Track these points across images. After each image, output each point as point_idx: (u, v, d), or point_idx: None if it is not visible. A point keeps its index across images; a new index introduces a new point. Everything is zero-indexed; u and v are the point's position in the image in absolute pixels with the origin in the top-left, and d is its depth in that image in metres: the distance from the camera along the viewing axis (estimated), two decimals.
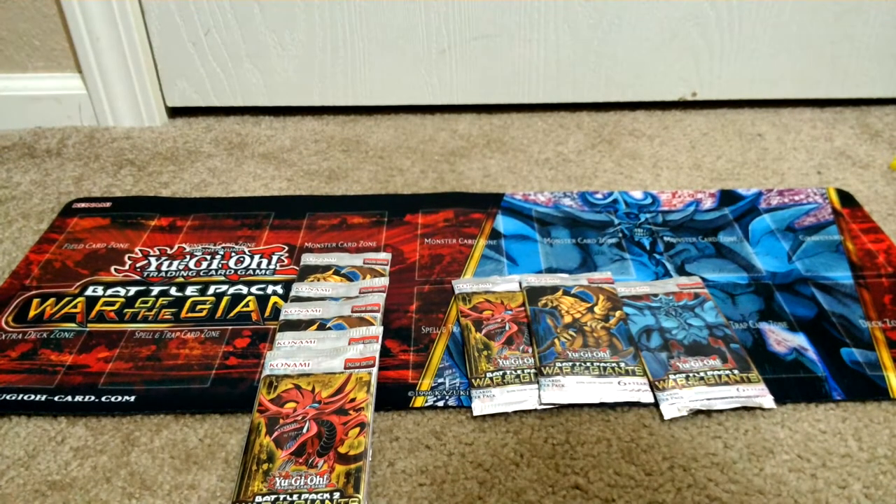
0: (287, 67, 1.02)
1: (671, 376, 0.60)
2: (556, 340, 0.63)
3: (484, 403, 0.59)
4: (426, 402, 0.59)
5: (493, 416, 0.58)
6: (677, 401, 0.58)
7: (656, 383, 0.60)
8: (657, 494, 0.52)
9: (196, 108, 1.07)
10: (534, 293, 0.69)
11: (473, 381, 0.60)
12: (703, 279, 0.72)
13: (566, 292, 0.69)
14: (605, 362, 0.61)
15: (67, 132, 1.02)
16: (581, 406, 0.59)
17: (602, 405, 0.59)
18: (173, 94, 1.04)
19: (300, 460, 0.52)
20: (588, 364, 0.61)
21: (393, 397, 0.60)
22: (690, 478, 0.53)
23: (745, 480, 0.53)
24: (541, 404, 0.59)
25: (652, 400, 0.59)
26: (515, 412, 0.59)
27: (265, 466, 0.52)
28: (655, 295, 0.69)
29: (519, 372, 0.61)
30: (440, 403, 0.59)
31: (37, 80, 1.02)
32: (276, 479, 0.51)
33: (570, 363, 0.61)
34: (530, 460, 0.55)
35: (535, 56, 1.01)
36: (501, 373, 0.61)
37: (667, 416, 0.58)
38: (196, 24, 0.98)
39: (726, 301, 0.69)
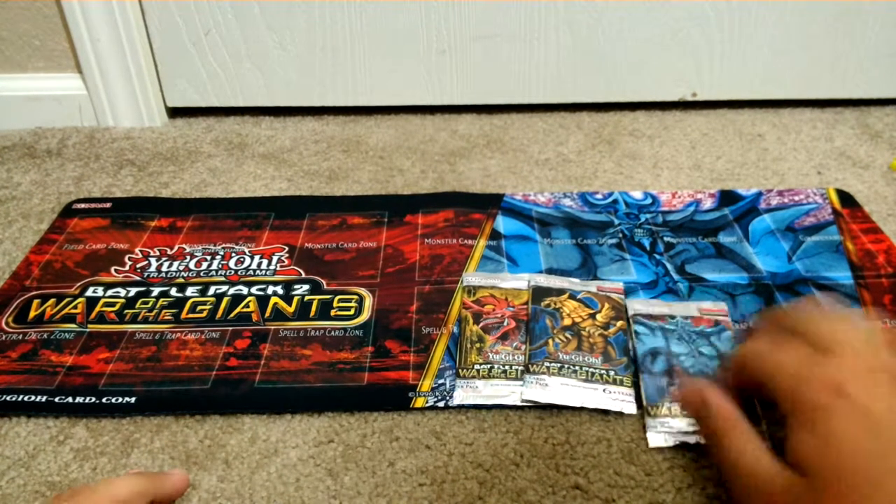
0: (287, 67, 1.02)
1: (667, 404, 0.58)
2: (549, 341, 0.63)
3: (466, 393, 0.59)
4: (427, 402, 0.59)
5: (493, 415, 0.58)
6: (666, 430, 0.56)
7: (649, 408, 0.58)
8: (657, 494, 0.52)
9: (196, 108, 1.07)
10: (539, 293, 0.69)
11: (460, 370, 0.61)
12: (704, 278, 0.72)
13: (572, 296, 0.69)
14: (595, 368, 0.61)
15: (67, 132, 1.02)
16: (581, 407, 0.59)
17: None
18: (173, 94, 1.04)
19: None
20: (576, 368, 0.61)
21: (393, 398, 0.60)
22: (690, 478, 0.53)
23: None
24: (522, 400, 0.59)
25: (635, 411, 0.58)
26: (516, 412, 0.59)
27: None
28: (672, 317, 0.66)
29: (507, 367, 0.61)
30: (441, 404, 0.59)
31: (37, 81, 1.02)
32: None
33: (559, 364, 0.61)
34: (530, 460, 0.55)
35: (535, 56, 1.01)
36: (489, 366, 0.61)
37: (651, 445, 0.56)
38: (196, 24, 0.98)
39: (727, 301, 0.69)
